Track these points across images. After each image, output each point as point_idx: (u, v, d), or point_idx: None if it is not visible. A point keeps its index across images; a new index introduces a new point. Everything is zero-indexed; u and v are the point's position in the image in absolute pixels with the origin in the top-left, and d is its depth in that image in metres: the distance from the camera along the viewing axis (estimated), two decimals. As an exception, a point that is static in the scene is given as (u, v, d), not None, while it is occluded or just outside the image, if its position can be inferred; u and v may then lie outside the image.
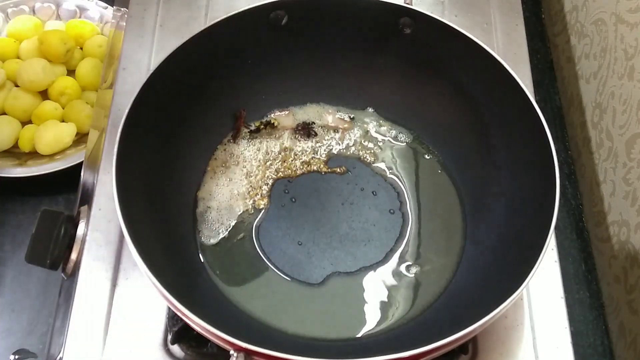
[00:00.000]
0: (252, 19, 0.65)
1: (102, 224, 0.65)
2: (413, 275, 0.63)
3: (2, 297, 0.74)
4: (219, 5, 0.80)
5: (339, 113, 0.73)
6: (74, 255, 0.63)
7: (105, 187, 0.66)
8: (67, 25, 0.91)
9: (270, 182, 0.68)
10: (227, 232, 0.65)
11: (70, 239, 0.63)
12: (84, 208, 0.66)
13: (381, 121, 0.72)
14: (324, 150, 0.71)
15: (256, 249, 0.64)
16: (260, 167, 0.69)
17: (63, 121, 0.84)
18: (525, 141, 0.62)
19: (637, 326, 0.70)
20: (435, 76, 0.69)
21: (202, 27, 0.63)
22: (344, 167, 0.69)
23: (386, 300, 0.62)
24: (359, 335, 0.60)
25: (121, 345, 0.59)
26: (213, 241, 0.64)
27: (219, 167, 0.68)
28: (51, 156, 0.82)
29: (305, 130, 0.71)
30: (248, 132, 0.70)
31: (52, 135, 0.81)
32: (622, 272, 0.74)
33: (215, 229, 0.65)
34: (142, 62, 0.76)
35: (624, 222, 0.74)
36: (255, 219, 0.66)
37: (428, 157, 0.70)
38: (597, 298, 0.77)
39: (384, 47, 0.69)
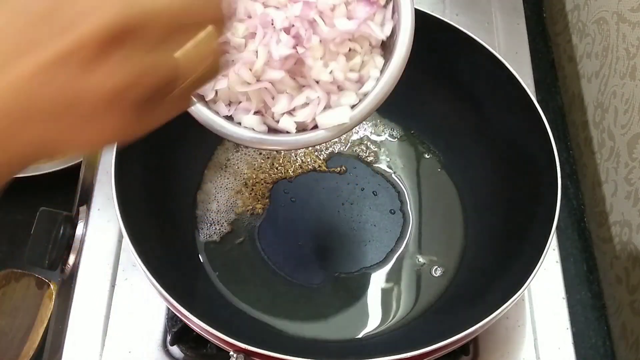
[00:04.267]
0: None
1: (101, 224, 0.64)
2: (414, 275, 0.63)
3: (1, 297, 0.74)
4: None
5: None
6: (72, 256, 0.62)
7: (104, 187, 0.66)
8: (66, 25, 0.91)
9: (270, 182, 0.68)
10: (226, 233, 0.64)
11: (69, 239, 0.62)
12: (82, 208, 0.65)
13: (380, 121, 0.72)
14: (324, 150, 0.70)
15: (256, 249, 0.64)
16: (260, 168, 0.68)
17: (62, 121, 0.84)
18: (526, 141, 0.61)
19: (639, 327, 0.70)
20: (436, 75, 0.69)
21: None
22: (343, 167, 0.69)
23: (387, 301, 0.61)
24: (360, 336, 0.60)
25: (120, 346, 0.59)
26: (213, 242, 0.64)
27: (219, 167, 0.68)
28: (50, 156, 0.81)
29: (305, 129, 0.71)
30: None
31: (51, 134, 0.81)
32: (624, 273, 0.74)
33: (215, 229, 0.64)
34: (141, 62, 0.75)
35: (625, 223, 0.74)
36: (255, 220, 0.65)
37: (428, 157, 0.70)
38: (599, 299, 0.77)
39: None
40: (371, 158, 0.70)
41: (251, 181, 0.67)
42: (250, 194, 0.67)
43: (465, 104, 0.67)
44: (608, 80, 0.80)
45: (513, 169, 0.63)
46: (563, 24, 0.94)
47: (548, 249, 0.53)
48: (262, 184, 0.67)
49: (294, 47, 0.45)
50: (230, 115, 0.48)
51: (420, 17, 0.65)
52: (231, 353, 0.49)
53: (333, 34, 0.45)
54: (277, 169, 0.68)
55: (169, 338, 0.59)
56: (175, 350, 0.59)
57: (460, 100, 0.68)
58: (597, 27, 0.83)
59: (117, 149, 0.56)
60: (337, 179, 0.69)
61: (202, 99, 0.48)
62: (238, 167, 0.68)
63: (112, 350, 0.59)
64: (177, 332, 0.58)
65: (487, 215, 0.65)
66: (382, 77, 0.47)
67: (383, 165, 0.69)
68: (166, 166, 0.63)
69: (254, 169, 0.68)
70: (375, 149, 0.70)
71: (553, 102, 0.90)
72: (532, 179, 0.60)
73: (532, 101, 0.60)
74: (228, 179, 0.67)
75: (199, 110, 0.48)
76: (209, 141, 0.69)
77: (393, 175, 0.69)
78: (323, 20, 0.45)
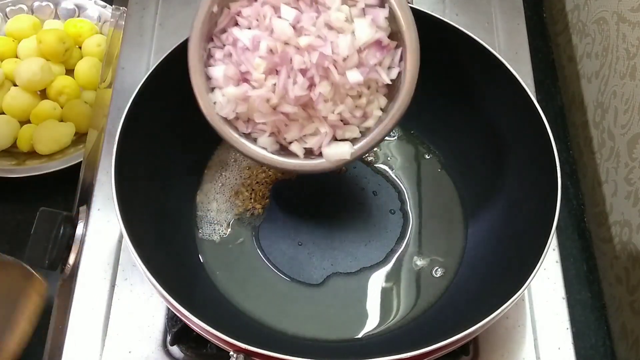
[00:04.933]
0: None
1: (101, 224, 0.64)
2: (414, 275, 0.63)
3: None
4: (219, 4, 0.80)
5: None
6: (72, 256, 0.62)
7: (104, 187, 0.66)
8: (66, 25, 0.91)
9: (270, 182, 0.68)
10: (226, 233, 0.64)
11: (69, 239, 0.62)
12: (82, 208, 0.65)
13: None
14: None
15: (256, 249, 0.64)
16: (260, 168, 0.68)
17: (62, 121, 0.84)
18: (526, 141, 0.61)
19: (639, 327, 0.70)
20: (436, 75, 0.68)
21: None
22: (343, 167, 0.69)
23: (387, 301, 0.61)
24: (359, 336, 0.60)
25: (120, 346, 0.59)
26: (213, 242, 0.64)
27: (219, 167, 0.68)
28: (50, 156, 0.81)
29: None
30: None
31: (51, 135, 0.81)
32: (624, 273, 0.74)
33: (215, 229, 0.64)
34: (141, 62, 0.75)
35: (625, 223, 0.74)
36: (255, 220, 0.65)
37: (428, 157, 0.70)
38: (599, 299, 0.77)
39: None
40: (371, 158, 0.70)
41: (251, 181, 0.67)
42: (250, 194, 0.67)
43: (465, 104, 0.67)
44: (608, 80, 0.80)
45: (513, 169, 0.63)
46: (563, 24, 0.94)
47: (548, 249, 0.53)
48: (262, 184, 0.67)
49: (308, 88, 0.49)
50: (248, 133, 0.54)
51: (421, 17, 0.65)
52: (231, 353, 0.49)
53: (343, 81, 0.50)
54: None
55: (169, 338, 0.59)
56: (175, 350, 0.59)
57: (460, 101, 0.68)
58: (597, 27, 0.83)
59: (117, 149, 0.56)
60: (337, 179, 0.69)
61: (224, 119, 0.54)
62: (238, 167, 0.68)
63: (112, 350, 0.59)
64: (177, 332, 0.58)
65: (487, 215, 0.65)
66: (385, 118, 0.53)
67: (383, 165, 0.69)
68: (166, 166, 0.63)
69: (254, 169, 0.68)
70: (375, 149, 0.70)
71: (553, 102, 0.91)
72: (532, 179, 0.60)
73: (532, 101, 0.60)
74: (228, 179, 0.67)
75: (222, 128, 0.54)
76: (209, 141, 0.69)
77: (393, 175, 0.69)
78: (336, 68, 0.49)
